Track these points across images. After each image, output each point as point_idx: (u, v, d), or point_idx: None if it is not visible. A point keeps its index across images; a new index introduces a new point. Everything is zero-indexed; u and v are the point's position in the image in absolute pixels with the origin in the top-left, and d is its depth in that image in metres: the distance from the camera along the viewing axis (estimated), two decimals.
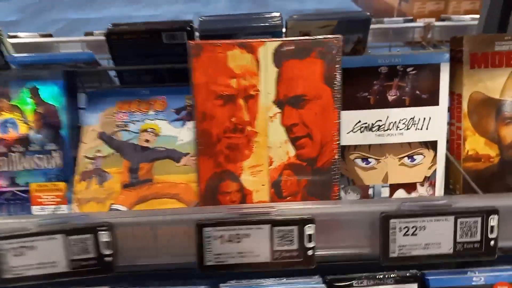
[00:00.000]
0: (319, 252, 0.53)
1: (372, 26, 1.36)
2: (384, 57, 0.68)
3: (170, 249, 0.55)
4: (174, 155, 0.69)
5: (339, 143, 0.51)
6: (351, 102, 0.70)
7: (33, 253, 0.52)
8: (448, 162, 0.73)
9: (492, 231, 0.53)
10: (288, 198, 0.55)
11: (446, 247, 0.53)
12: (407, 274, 0.66)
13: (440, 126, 0.71)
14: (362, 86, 0.69)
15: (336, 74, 0.47)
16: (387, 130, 0.71)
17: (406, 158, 0.72)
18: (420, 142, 0.71)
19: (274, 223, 0.49)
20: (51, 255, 0.52)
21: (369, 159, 0.72)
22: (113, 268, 0.53)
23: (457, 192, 0.73)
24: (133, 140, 0.72)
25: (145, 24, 0.92)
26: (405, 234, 0.53)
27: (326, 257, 0.54)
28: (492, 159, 0.71)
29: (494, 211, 0.56)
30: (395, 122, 0.70)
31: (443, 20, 1.36)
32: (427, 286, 0.66)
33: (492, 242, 0.53)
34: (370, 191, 0.73)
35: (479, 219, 0.52)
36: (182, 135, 0.71)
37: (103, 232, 0.52)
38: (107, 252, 0.52)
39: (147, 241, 0.54)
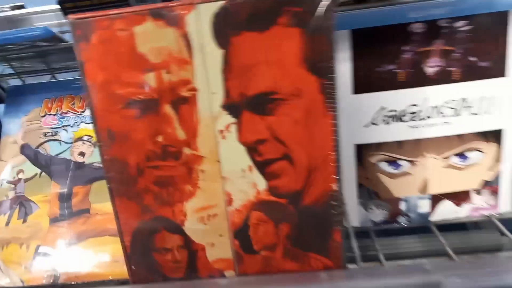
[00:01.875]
0: None
1: None
2: (418, 8, 0.44)
3: None
4: None
5: (338, 165, 0.29)
6: (369, 80, 0.47)
7: None
8: None
9: None
10: (262, 253, 0.34)
11: None
12: None
13: (509, 108, 0.47)
14: (385, 55, 0.46)
15: (327, 52, 0.25)
16: (425, 118, 0.47)
17: (454, 156, 0.49)
18: (476, 133, 0.48)
19: None
20: None
21: (400, 162, 0.49)
22: None
23: None
24: (65, 154, 0.52)
25: None
26: None
27: None
28: None
29: None
30: (438, 106, 0.47)
31: None
32: None
33: None
34: (402, 206, 0.51)
35: None
36: None
37: None
38: None
39: None
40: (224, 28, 0.26)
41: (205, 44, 0.29)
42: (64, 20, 0.92)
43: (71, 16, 0.32)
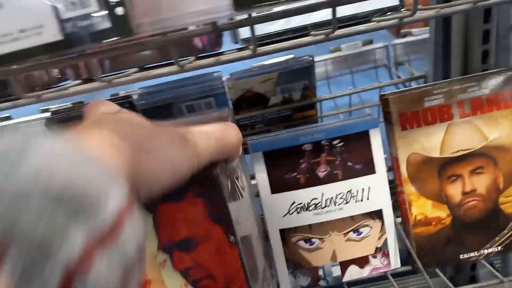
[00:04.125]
0: None
1: (329, 56, 1.31)
2: (305, 134, 0.63)
3: None
4: None
5: (246, 276, 0.46)
6: (281, 184, 0.65)
7: None
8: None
9: None
10: None
11: None
12: None
13: (382, 194, 0.65)
14: (289, 166, 0.64)
15: (223, 208, 0.42)
16: (324, 207, 0.65)
17: (351, 232, 0.67)
18: (363, 214, 0.66)
19: None
20: None
21: (312, 240, 0.67)
22: None
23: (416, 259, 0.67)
24: None
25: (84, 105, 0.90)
26: None
27: None
28: (444, 220, 0.65)
29: None
30: (332, 197, 0.65)
31: (404, 36, 1.29)
32: None
33: None
34: (320, 272, 0.68)
35: None
36: None
37: None
38: None
39: None
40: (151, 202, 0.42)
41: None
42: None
43: None
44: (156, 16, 0.33)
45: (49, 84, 0.54)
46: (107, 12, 0.29)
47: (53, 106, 1.26)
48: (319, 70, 1.21)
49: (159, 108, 0.94)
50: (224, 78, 0.96)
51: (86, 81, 0.49)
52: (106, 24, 0.29)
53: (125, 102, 0.86)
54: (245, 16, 0.38)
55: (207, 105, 0.96)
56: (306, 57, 0.96)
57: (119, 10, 0.29)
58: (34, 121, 1.32)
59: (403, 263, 0.68)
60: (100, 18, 0.30)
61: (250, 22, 0.37)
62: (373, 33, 0.47)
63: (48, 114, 1.15)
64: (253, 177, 0.65)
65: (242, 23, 0.38)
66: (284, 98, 0.99)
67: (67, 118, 0.85)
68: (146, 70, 0.50)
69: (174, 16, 0.34)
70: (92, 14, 0.29)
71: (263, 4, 0.31)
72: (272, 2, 0.31)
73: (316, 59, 1.01)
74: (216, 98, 0.95)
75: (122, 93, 1.11)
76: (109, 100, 0.91)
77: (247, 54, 0.42)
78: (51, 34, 0.29)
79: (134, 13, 0.31)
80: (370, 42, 1.31)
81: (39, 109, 1.32)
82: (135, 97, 0.95)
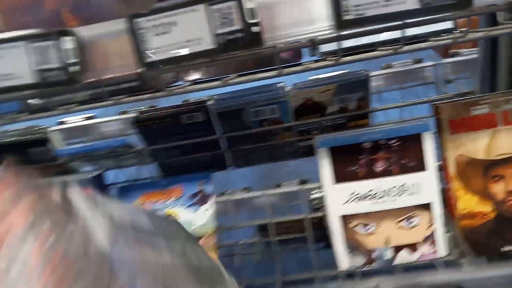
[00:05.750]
0: None
1: (381, 72, 1.42)
2: (365, 134, 0.75)
3: None
4: None
5: None
6: (343, 176, 0.77)
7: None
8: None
9: None
10: None
11: None
12: None
13: (431, 189, 0.75)
14: (350, 161, 0.76)
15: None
16: (380, 198, 0.76)
17: (403, 221, 0.77)
18: (414, 206, 0.76)
19: None
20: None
21: (368, 226, 0.78)
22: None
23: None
24: None
25: (166, 109, 1.06)
26: None
27: None
28: (488, 215, 0.74)
29: None
30: (386, 190, 0.76)
31: (452, 55, 1.39)
32: None
33: None
34: (374, 255, 0.79)
35: None
36: (197, 219, 0.81)
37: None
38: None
39: None
40: None
41: None
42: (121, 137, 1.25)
43: None
44: (274, 33, 0.47)
45: (167, 83, 0.69)
46: (245, 29, 0.43)
47: (131, 110, 1.44)
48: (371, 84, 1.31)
49: (231, 112, 1.08)
50: (287, 89, 1.09)
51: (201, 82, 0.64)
52: (244, 38, 0.43)
53: (200, 107, 1.01)
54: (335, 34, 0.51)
55: (271, 111, 1.09)
56: (362, 71, 1.07)
57: (255, 29, 0.43)
58: (116, 121, 1.51)
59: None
60: (240, 34, 0.43)
61: (340, 37, 0.50)
62: (422, 54, 0.59)
63: (126, 116, 1.33)
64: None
65: (332, 39, 0.51)
66: (340, 107, 1.11)
67: (153, 117, 1.02)
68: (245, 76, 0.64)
69: (286, 33, 0.47)
70: (235, 30, 0.43)
71: (361, 25, 0.44)
72: (368, 23, 0.44)
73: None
74: (280, 105, 1.08)
75: (192, 99, 1.26)
76: (182, 103, 1.07)
77: (331, 63, 0.55)
78: (207, 44, 0.43)
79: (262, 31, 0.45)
80: (420, 61, 1.41)
81: (117, 112, 1.51)
82: (210, 102, 1.10)
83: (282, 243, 1.02)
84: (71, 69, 0.47)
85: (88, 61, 0.49)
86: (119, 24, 0.48)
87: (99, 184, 0.89)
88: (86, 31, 0.50)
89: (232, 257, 1.09)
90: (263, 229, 1.09)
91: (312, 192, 0.91)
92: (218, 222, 0.84)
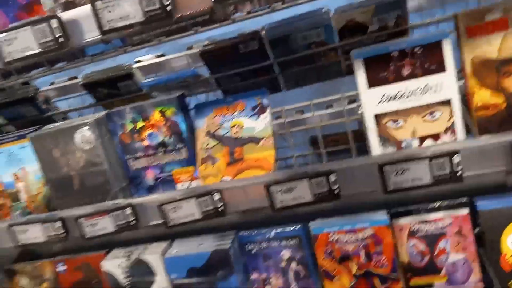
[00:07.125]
0: None
1: None
2: (394, 44, 0.90)
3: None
4: (255, 140, 1.02)
5: None
6: (376, 81, 0.94)
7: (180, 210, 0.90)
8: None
9: None
10: None
11: None
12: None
13: (451, 87, 0.91)
14: (381, 68, 0.92)
15: None
16: (407, 97, 0.93)
17: (427, 115, 0.93)
18: (436, 102, 0.92)
19: None
20: (189, 210, 0.89)
21: (398, 121, 0.95)
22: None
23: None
24: (228, 134, 1.06)
25: (225, 41, 1.25)
26: None
27: None
28: (500, 105, 0.89)
29: None
30: (412, 90, 0.92)
31: None
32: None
33: None
34: (403, 144, 0.97)
35: None
36: (258, 125, 1.03)
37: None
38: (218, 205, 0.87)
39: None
40: None
41: None
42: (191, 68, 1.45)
43: None
44: None
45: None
46: None
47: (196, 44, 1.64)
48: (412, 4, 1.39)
49: (281, 38, 1.23)
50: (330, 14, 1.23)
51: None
52: None
53: (255, 36, 1.18)
54: None
55: (317, 34, 1.24)
56: None
57: None
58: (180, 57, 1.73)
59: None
60: None
61: None
62: None
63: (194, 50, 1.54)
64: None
65: None
66: (380, 26, 1.23)
67: (216, 48, 1.21)
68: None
69: None
70: None
71: None
72: None
73: None
74: (325, 28, 1.21)
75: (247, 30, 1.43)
76: (238, 36, 1.23)
77: None
78: None
79: None
80: None
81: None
82: (262, 32, 1.27)
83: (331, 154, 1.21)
84: (168, 8, 0.68)
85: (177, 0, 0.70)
86: None
87: (181, 103, 1.13)
88: None
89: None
90: (314, 142, 1.29)
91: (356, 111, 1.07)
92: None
